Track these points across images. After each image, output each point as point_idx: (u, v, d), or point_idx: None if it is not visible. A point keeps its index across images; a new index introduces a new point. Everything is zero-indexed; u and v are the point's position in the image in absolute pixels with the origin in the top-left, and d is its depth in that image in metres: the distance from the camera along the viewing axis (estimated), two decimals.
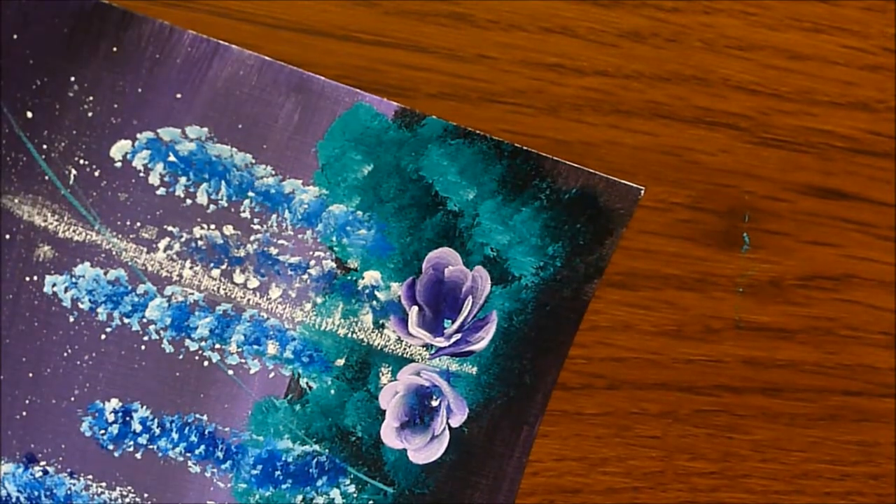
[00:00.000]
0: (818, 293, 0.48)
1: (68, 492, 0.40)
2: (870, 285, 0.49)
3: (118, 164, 0.39)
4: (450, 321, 0.42)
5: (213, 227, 0.40)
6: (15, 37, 0.37)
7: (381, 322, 0.42)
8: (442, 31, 0.42)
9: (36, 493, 0.40)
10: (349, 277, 0.42)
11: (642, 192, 0.43)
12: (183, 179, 0.39)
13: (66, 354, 0.40)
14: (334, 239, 0.41)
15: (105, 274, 0.39)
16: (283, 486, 0.42)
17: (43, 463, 0.40)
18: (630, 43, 0.44)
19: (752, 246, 0.47)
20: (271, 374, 0.41)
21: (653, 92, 0.44)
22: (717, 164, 0.46)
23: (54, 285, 0.39)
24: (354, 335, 0.42)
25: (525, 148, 0.42)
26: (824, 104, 0.46)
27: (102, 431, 0.40)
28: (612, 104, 0.44)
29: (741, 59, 0.45)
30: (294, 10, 0.40)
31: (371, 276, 0.42)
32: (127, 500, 0.41)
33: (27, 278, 0.39)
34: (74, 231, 0.39)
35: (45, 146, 0.38)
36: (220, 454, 0.41)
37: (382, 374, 0.43)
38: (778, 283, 0.48)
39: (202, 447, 0.41)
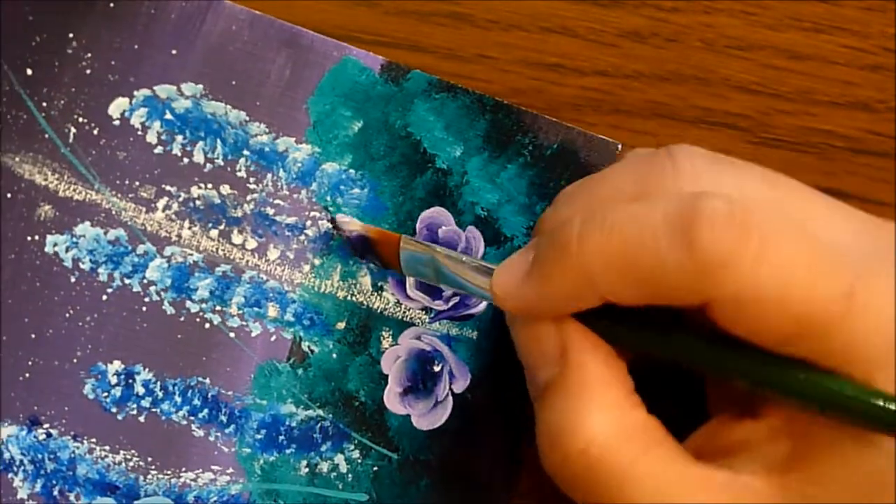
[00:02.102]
0: None
1: (72, 455, 0.40)
2: None
3: (116, 122, 0.39)
4: None
5: (210, 186, 0.40)
6: None
7: (379, 284, 0.42)
8: (442, 31, 0.42)
9: (40, 457, 0.40)
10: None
11: (619, 146, 0.43)
12: (179, 138, 0.40)
13: (68, 315, 0.40)
14: (329, 198, 0.41)
15: (105, 234, 0.40)
16: (288, 451, 0.42)
17: (46, 425, 0.40)
18: (630, 43, 0.44)
19: None
20: (273, 338, 0.42)
21: (653, 92, 0.44)
22: None
23: (55, 245, 0.40)
24: (354, 297, 0.42)
25: (506, 102, 0.42)
26: (824, 104, 0.46)
27: (105, 394, 0.41)
28: (612, 104, 0.44)
29: (741, 59, 0.45)
30: (294, 10, 0.40)
31: None
32: (131, 463, 0.41)
33: (28, 238, 0.39)
34: (74, 190, 0.39)
35: (44, 104, 0.38)
36: (223, 418, 0.42)
37: (383, 338, 0.43)
38: None
39: (205, 411, 0.41)
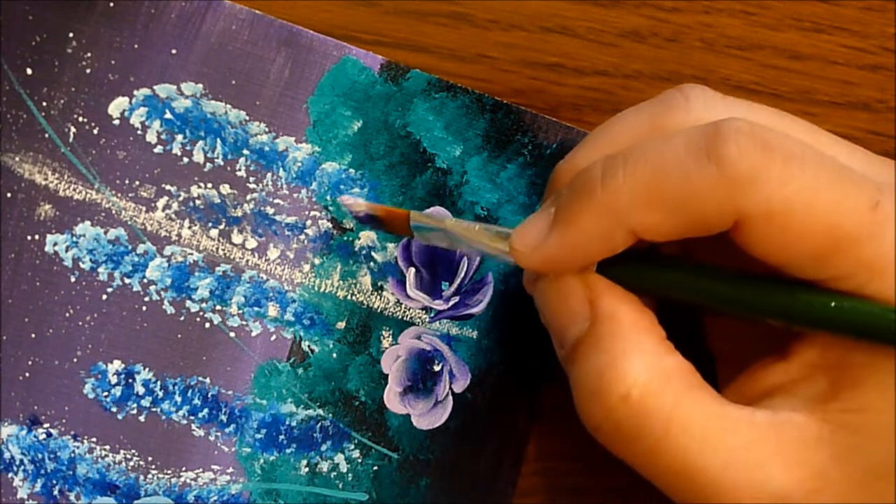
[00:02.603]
0: None
1: (72, 455, 0.40)
2: None
3: (116, 122, 0.39)
4: (447, 283, 0.43)
5: (210, 185, 0.40)
6: None
7: (379, 284, 0.42)
8: (442, 31, 0.42)
9: (40, 456, 0.40)
10: (345, 238, 0.42)
11: None
12: (179, 137, 0.40)
13: (68, 315, 0.40)
14: (329, 198, 0.41)
15: (105, 233, 0.40)
16: (288, 451, 0.42)
17: (46, 425, 0.40)
18: (630, 43, 0.44)
19: None
20: (273, 337, 0.42)
21: (653, 92, 0.44)
22: None
23: (55, 244, 0.40)
24: (354, 297, 0.42)
25: (505, 101, 0.42)
26: (824, 104, 0.46)
27: (105, 394, 0.41)
28: (612, 104, 0.44)
29: (741, 59, 0.45)
30: (294, 10, 0.40)
31: (367, 237, 0.42)
32: (131, 463, 0.41)
33: (28, 237, 0.39)
34: (74, 189, 0.39)
35: (44, 103, 0.38)
36: (223, 417, 0.42)
37: (383, 338, 0.43)
38: None
39: (205, 410, 0.41)
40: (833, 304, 0.32)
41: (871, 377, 0.32)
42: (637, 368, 0.33)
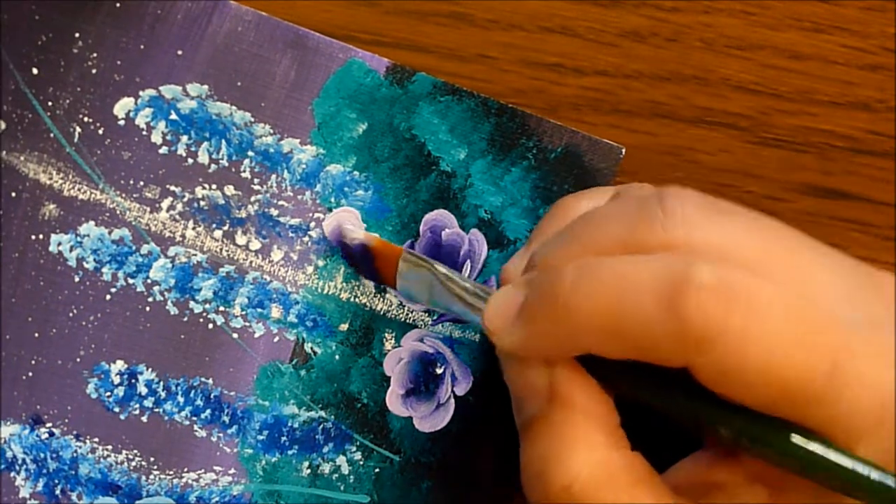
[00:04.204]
0: None
1: (74, 454, 0.41)
2: None
3: (121, 122, 0.39)
4: None
5: (214, 186, 0.40)
6: None
7: (382, 286, 0.42)
8: (442, 31, 0.42)
9: (42, 456, 0.40)
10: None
11: (623, 151, 0.43)
12: (184, 138, 0.40)
13: (71, 315, 0.40)
14: (333, 200, 0.41)
15: (109, 233, 0.40)
16: (290, 452, 0.42)
17: (49, 424, 0.40)
18: (630, 43, 0.44)
19: None
20: (276, 339, 0.42)
21: (653, 92, 0.44)
22: (717, 163, 0.46)
23: (59, 244, 0.40)
24: (357, 299, 0.42)
25: (511, 105, 0.42)
26: (824, 104, 0.46)
27: (108, 393, 0.41)
28: (612, 104, 0.44)
29: (741, 59, 0.45)
30: (295, 10, 0.40)
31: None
32: (133, 463, 0.41)
33: (33, 237, 0.39)
34: (79, 189, 0.39)
35: (50, 103, 0.38)
36: (225, 418, 0.42)
37: (386, 340, 0.43)
38: None
39: (208, 411, 0.42)
40: (783, 437, 0.31)
41: (807, 498, 0.32)
42: (581, 461, 0.33)
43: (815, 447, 0.31)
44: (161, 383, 0.41)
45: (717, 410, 0.32)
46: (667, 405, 0.34)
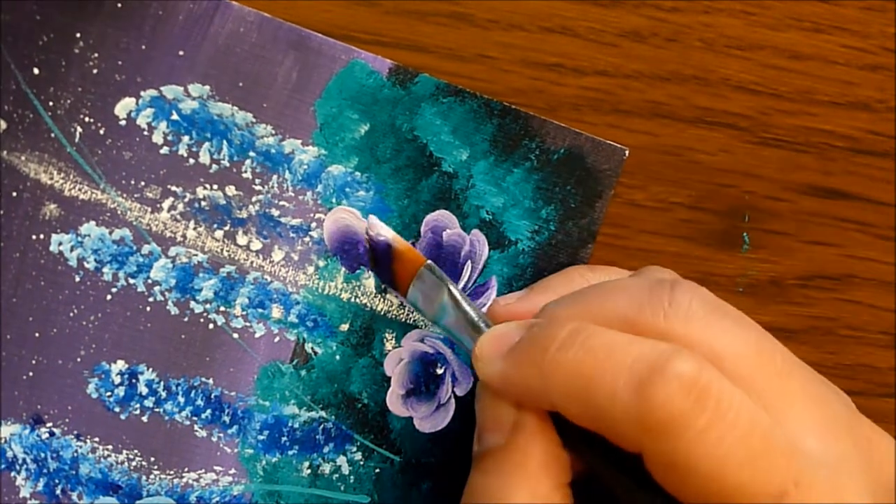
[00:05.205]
0: (818, 293, 0.48)
1: (74, 454, 0.41)
2: (870, 285, 0.49)
3: (122, 122, 0.39)
4: None
5: (215, 187, 0.40)
6: None
7: (383, 286, 0.42)
8: (442, 31, 0.42)
9: (42, 455, 0.40)
10: None
11: (626, 152, 0.43)
12: (186, 138, 0.40)
13: (72, 314, 0.40)
14: (334, 200, 0.41)
15: (110, 233, 0.40)
16: (290, 453, 0.42)
17: (49, 424, 0.40)
18: (630, 43, 0.44)
19: (752, 246, 0.47)
20: (276, 339, 0.42)
21: (653, 92, 0.44)
22: (717, 164, 0.46)
23: (60, 244, 0.40)
24: (357, 300, 0.42)
25: (514, 106, 0.42)
26: (824, 104, 0.46)
27: (109, 393, 0.41)
28: (612, 104, 0.44)
29: (741, 59, 0.45)
30: (295, 10, 0.40)
31: None
32: (133, 463, 0.41)
33: (33, 236, 0.39)
34: (80, 189, 0.39)
35: (51, 103, 0.38)
36: (226, 419, 0.42)
37: (386, 341, 0.43)
38: (778, 283, 0.47)
39: (208, 411, 0.42)
40: None
41: None
42: (521, 502, 0.34)
43: None
44: (161, 383, 0.41)
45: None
46: (614, 482, 0.34)
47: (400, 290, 0.40)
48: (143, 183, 0.40)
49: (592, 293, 0.37)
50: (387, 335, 0.43)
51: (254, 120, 0.40)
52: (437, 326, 0.39)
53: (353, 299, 0.42)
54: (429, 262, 0.39)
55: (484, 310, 0.42)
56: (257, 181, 0.41)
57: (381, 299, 0.42)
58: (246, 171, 0.41)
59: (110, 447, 0.41)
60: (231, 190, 0.40)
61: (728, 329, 0.34)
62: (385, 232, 0.40)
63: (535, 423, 0.35)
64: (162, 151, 0.40)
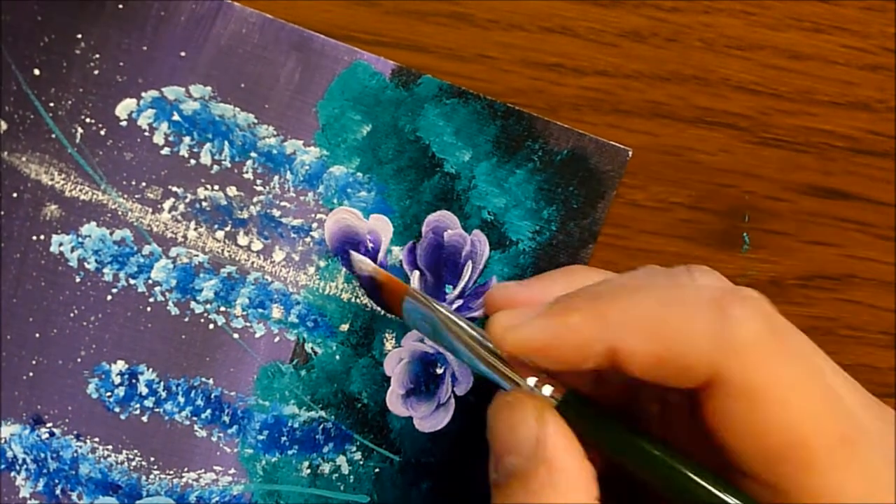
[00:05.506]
0: (818, 293, 0.48)
1: (74, 454, 0.41)
2: (870, 285, 0.49)
3: (123, 123, 0.39)
4: (451, 287, 0.43)
5: (216, 187, 0.40)
6: None
7: None
8: (442, 31, 0.42)
9: (42, 455, 0.40)
10: None
11: (630, 153, 0.43)
12: (187, 139, 0.40)
13: (72, 315, 0.40)
14: (335, 201, 0.41)
15: (111, 234, 0.40)
16: (290, 452, 0.42)
17: (49, 424, 0.40)
18: (630, 43, 0.44)
19: (752, 246, 0.47)
20: (276, 339, 0.42)
21: (653, 92, 0.44)
22: (717, 164, 0.46)
23: (61, 245, 0.39)
24: (358, 300, 0.42)
25: (517, 108, 0.42)
26: (824, 104, 0.46)
27: (109, 394, 0.41)
28: (612, 104, 0.44)
29: (741, 59, 0.45)
30: (295, 10, 0.40)
31: None
32: (133, 463, 0.41)
33: (34, 237, 0.39)
34: (81, 190, 0.39)
35: (51, 104, 0.38)
36: (226, 419, 0.42)
37: (386, 341, 0.43)
38: (778, 283, 0.48)
39: (208, 411, 0.42)
40: None
41: None
42: None
43: None
44: (161, 383, 0.41)
45: (692, 476, 0.31)
46: (641, 463, 0.33)
47: (396, 315, 0.39)
48: (144, 184, 0.40)
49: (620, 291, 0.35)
50: (387, 335, 0.43)
51: (255, 121, 0.40)
52: (442, 345, 0.37)
53: (353, 299, 0.42)
54: (411, 288, 0.38)
55: (482, 311, 0.42)
56: (259, 182, 0.41)
57: None
58: (247, 172, 0.40)
59: (110, 447, 0.41)
60: (232, 190, 0.40)
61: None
62: (366, 266, 0.40)
63: (559, 433, 0.33)
64: (163, 152, 0.40)
